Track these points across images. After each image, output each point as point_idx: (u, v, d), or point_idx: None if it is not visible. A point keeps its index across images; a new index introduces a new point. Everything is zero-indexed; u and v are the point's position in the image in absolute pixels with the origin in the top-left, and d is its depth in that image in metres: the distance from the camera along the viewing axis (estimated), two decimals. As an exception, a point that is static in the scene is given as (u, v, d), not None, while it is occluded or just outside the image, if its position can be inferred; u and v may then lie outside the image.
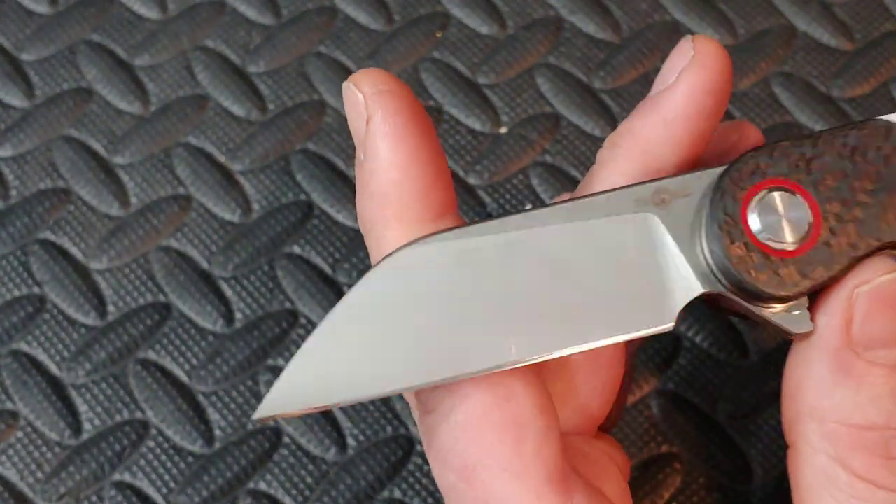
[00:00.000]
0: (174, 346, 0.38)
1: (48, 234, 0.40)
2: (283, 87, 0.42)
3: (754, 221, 0.24)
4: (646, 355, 0.37)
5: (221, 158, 0.41)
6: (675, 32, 0.43)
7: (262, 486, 0.36)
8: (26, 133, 0.42)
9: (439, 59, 0.43)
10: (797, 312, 0.24)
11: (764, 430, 0.36)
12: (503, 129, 0.41)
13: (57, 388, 0.37)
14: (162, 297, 0.39)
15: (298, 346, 0.25)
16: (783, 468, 0.28)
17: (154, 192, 0.41)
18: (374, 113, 0.24)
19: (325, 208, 0.40)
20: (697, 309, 0.37)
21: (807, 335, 0.24)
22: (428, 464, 0.32)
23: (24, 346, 0.38)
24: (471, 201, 0.40)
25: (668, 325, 0.24)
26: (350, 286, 0.27)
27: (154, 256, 0.39)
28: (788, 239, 0.24)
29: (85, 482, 0.36)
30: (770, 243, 0.24)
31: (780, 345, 0.36)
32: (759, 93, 0.41)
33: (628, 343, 0.30)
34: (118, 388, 0.37)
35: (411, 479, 0.35)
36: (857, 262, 0.24)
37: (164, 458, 0.36)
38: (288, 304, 0.38)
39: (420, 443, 0.36)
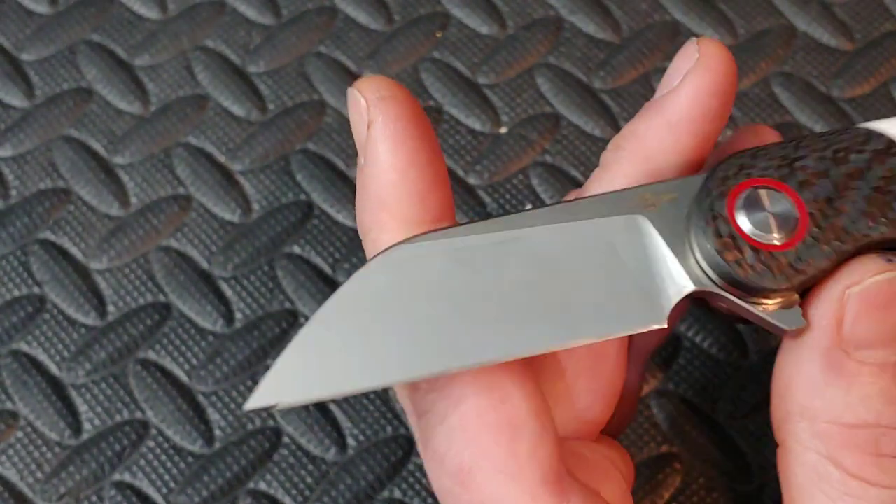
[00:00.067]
0: (174, 346, 0.38)
1: (48, 234, 0.40)
2: (283, 87, 0.42)
3: (742, 217, 0.24)
4: (646, 355, 0.37)
5: (221, 158, 0.41)
6: (675, 32, 0.43)
7: (262, 486, 0.36)
8: (26, 133, 0.42)
9: (439, 59, 0.43)
10: (789, 309, 0.24)
11: (764, 430, 0.36)
12: (503, 129, 0.41)
13: (57, 388, 0.37)
14: (162, 297, 0.39)
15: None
16: (783, 468, 0.28)
17: (154, 192, 0.41)
18: (375, 118, 0.25)
19: (325, 208, 0.40)
20: (697, 309, 0.37)
21: (799, 332, 0.24)
22: (428, 464, 0.32)
23: (24, 346, 0.38)
24: (471, 201, 0.40)
25: (660, 324, 0.24)
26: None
27: (154, 256, 0.39)
28: (776, 234, 0.24)
29: (85, 482, 0.36)
30: (758, 238, 0.24)
31: (780, 345, 0.36)
32: (759, 93, 0.41)
33: (637, 351, 0.30)
34: (118, 388, 0.37)
35: (411, 479, 0.35)
36: (846, 256, 0.24)
37: (164, 458, 0.36)
38: (288, 304, 0.38)
39: (420, 443, 0.36)
